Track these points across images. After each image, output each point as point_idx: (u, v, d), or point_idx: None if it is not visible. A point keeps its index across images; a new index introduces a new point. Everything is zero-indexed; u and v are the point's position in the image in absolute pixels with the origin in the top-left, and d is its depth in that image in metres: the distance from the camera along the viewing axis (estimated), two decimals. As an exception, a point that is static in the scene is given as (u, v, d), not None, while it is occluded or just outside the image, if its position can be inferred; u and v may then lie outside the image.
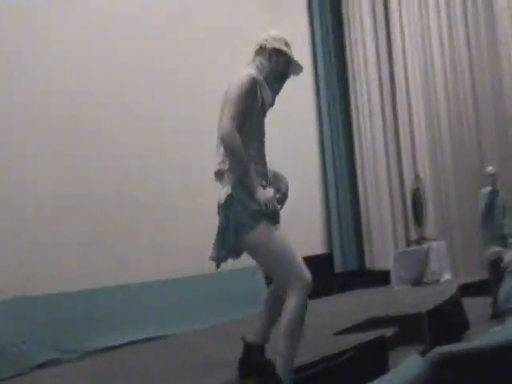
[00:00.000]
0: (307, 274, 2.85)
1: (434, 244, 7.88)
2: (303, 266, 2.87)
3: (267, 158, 3.01)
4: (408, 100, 9.00)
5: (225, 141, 2.79)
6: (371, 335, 3.90)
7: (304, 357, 3.23)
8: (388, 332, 4.42)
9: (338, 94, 9.27)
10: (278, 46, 2.98)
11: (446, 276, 7.78)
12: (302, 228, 8.13)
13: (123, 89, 6.56)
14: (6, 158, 5.55)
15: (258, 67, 2.97)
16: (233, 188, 2.81)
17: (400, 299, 6.25)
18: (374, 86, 9.15)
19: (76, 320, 5.54)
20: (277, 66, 2.99)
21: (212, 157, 2.94)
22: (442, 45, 8.78)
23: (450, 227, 8.70)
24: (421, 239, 8.10)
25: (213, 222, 6.71)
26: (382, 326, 4.69)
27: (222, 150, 2.85)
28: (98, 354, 5.22)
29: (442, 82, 8.72)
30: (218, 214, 2.93)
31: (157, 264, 6.45)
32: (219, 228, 2.90)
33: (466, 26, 8.66)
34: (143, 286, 6.32)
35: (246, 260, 7.34)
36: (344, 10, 9.54)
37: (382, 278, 8.09)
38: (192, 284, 6.80)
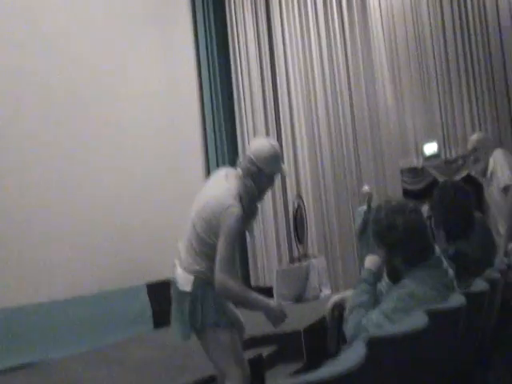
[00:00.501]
0: (247, 370, 2.92)
1: (314, 261, 8.16)
2: (246, 363, 2.96)
3: None
4: (291, 121, 9.33)
5: (221, 293, 2.78)
6: (249, 355, 3.93)
7: (179, 380, 3.22)
8: (266, 351, 4.51)
9: (223, 112, 9.35)
10: (270, 170, 2.88)
11: (326, 291, 8.07)
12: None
13: None
14: None
15: (246, 187, 2.88)
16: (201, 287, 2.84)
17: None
18: (258, 107, 9.38)
19: None
20: (267, 182, 2.95)
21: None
22: (323, 69, 9.25)
23: (330, 244, 9.08)
24: (302, 256, 8.35)
25: (90, 240, 6.50)
26: (261, 344, 4.77)
27: (198, 257, 2.85)
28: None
29: (323, 105, 9.18)
30: (176, 295, 2.98)
31: (32, 286, 6.15)
32: (185, 310, 2.89)
33: (345, 52, 9.20)
34: (15, 309, 5.98)
35: (128, 278, 7.22)
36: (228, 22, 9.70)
37: (266, 295, 8.18)
38: (72, 305, 6.54)
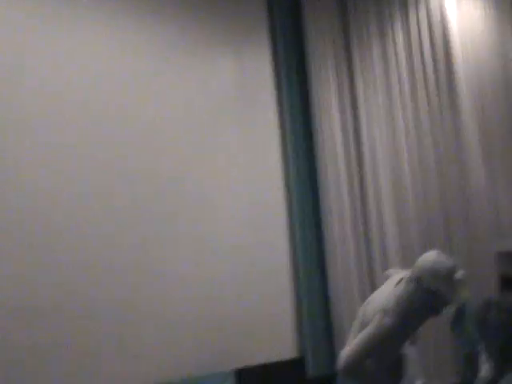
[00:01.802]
0: None
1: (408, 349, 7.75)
2: None
3: None
4: (378, 208, 9.09)
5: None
6: None
7: None
8: None
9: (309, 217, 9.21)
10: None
11: (420, 382, 7.60)
12: (273, 332, 8.01)
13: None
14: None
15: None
16: None
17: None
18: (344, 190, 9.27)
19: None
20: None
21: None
22: (409, 151, 9.13)
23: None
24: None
25: (177, 327, 6.51)
26: None
27: None
28: None
29: (411, 188, 9.01)
30: None
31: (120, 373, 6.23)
32: None
33: (433, 133, 9.07)
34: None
35: (216, 363, 7.18)
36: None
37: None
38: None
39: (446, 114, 9.03)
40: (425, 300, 2.76)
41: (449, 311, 6.10)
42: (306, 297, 8.95)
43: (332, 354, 9.06)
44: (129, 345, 6.45)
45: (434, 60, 9.23)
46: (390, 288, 2.75)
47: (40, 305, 5.92)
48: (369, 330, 2.53)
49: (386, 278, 3.15)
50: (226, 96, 8.38)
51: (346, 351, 2.54)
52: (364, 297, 8.89)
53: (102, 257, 6.46)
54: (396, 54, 9.38)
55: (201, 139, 7.85)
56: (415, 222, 8.92)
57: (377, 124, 9.29)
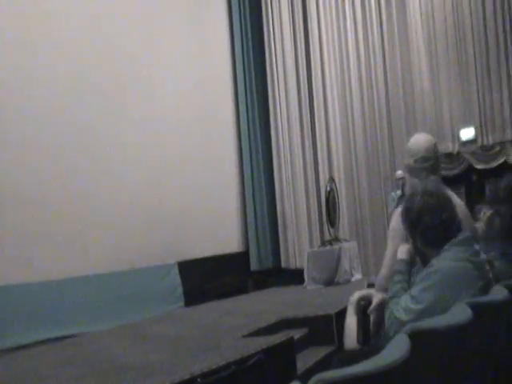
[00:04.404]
0: None
1: (346, 245, 8.11)
2: None
3: None
4: (325, 106, 9.21)
5: None
6: (280, 338, 3.94)
7: (211, 361, 3.24)
8: (297, 334, 4.51)
9: (257, 99, 9.31)
10: None
11: (357, 276, 8.03)
12: (219, 226, 8.18)
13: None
14: None
15: None
16: None
17: (312, 299, 6.38)
18: (293, 93, 9.28)
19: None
20: None
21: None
22: (358, 54, 9.10)
23: (361, 228, 9.01)
24: (334, 240, 8.30)
25: (125, 219, 6.59)
26: (292, 327, 4.79)
27: None
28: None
29: (358, 90, 9.07)
30: None
31: (66, 261, 6.27)
32: None
33: (382, 40, 9.03)
34: (52, 283, 6.12)
35: (160, 256, 7.31)
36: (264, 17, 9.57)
37: (297, 277, 8.25)
38: (105, 281, 6.66)
39: (394, 24, 8.97)
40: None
41: (389, 207, 6.33)
42: (252, 194, 9.13)
43: (275, 250, 9.43)
44: (76, 236, 6.45)
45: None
46: None
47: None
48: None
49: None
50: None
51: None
52: (308, 193, 9.31)
53: (50, 134, 6.33)
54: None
55: (153, 30, 7.76)
56: (360, 123, 9.07)
57: (326, 27, 9.22)
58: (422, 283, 2.14)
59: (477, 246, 2.23)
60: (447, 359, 1.59)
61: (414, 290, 2.15)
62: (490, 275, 2.20)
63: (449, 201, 2.27)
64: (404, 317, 2.10)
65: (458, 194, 2.73)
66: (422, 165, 2.73)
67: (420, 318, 1.95)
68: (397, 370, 1.21)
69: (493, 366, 1.92)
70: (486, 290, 2.10)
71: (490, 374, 1.89)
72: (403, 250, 2.42)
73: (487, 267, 2.21)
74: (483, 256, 2.23)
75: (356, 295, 2.57)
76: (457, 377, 1.64)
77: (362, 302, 2.53)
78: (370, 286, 6.63)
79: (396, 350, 1.31)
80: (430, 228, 2.24)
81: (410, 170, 2.81)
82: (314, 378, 1.01)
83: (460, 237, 2.20)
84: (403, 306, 2.13)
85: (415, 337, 1.42)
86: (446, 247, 2.19)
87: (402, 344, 1.35)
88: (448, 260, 2.16)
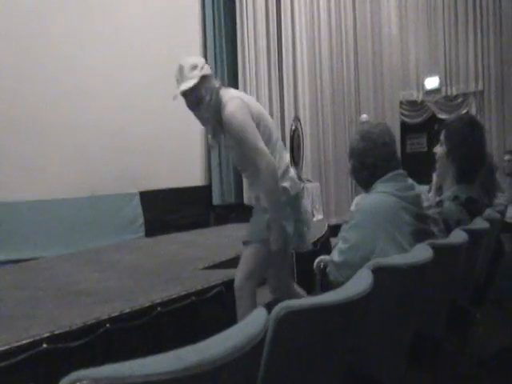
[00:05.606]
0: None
1: (309, 185, 8.17)
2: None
3: None
4: (293, 44, 9.02)
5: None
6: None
7: (170, 291, 3.27)
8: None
9: (225, 41, 8.97)
10: None
11: (319, 216, 8.15)
12: (182, 159, 8.09)
13: None
14: None
15: None
16: None
17: (271, 236, 6.43)
18: (261, 31, 8.96)
19: None
20: None
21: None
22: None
23: (324, 170, 9.09)
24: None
25: (86, 144, 6.47)
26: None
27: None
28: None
29: (327, 30, 9.03)
30: None
31: (24, 185, 6.16)
32: None
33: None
34: (9, 205, 6.02)
35: (122, 185, 7.23)
36: None
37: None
38: (64, 207, 6.59)
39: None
40: None
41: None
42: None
43: (238, 185, 9.43)
44: (35, 159, 6.31)
45: None
46: None
47: None
48: None
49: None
50: None
51: None
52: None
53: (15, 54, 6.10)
54: None
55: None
56: (327, 64, 8.99)
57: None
58: (349, 223, 2.22)
59: (410, 181, 2.27)
60: (407, 296, 1.63)
61: (344, 231, 2.23)
62: (429, 211, 2.27)
63: (381, 144, 2.27)
64: (336, 258, 2.19)
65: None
66: None
67: (350, 257, 2.07)
68: (360, 302, 1.23)
69: (448, 306, 1.99)
70: (421, 222, 2.16)
71: (446, 313, 1.96)
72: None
73: (420, 201, 2.26)
74: (415, 191, 2.26)
75: (317, 260, 2.63)
76: (415, 312, 1.69)
77: (322, 265, 2.59)
78: (330, 226, 6.78)
79: (360, 282, 1.34)
80: (358, 170, 2.31)
81: None
82: (282, 305, 1.01)
83: (390, 174, 2.24)
84: (337, 248, 2.22)
85: (378, 272, 1.45)
86: (373, 186, 2.25)
87: (366, 278, 1.37)
88: (370, 196, 2.23)
